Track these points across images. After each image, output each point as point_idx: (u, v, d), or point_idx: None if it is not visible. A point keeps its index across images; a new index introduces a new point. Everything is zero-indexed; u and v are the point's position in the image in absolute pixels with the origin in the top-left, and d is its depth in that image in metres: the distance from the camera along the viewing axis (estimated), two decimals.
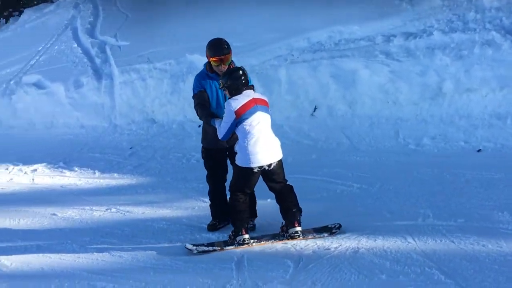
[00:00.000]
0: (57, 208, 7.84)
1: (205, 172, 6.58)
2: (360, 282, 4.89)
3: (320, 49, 10.97)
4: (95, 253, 6.16)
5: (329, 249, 5.58)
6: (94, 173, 9.55)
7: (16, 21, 21.49)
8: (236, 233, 5.90)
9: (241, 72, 5.76)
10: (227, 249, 5.91)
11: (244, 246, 5.85)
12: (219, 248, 5.96)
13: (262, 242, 6.01)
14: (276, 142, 5.87)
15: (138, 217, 7.24)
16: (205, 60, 6.38)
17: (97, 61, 13.74)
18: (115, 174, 9.36)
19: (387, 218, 6.33)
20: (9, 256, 6.27)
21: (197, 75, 6.45)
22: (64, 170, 9.90)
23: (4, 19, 23.26)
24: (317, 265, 5.26)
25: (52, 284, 5.52)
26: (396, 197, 7.01)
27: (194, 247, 5.91)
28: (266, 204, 6.64)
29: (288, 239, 5.93)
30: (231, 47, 6.18)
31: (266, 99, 5.89)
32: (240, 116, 5.57)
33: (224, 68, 6.04)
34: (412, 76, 10.16)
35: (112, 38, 14.72)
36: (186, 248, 5.91)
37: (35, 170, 10.08)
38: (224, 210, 6.32)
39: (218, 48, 6.10)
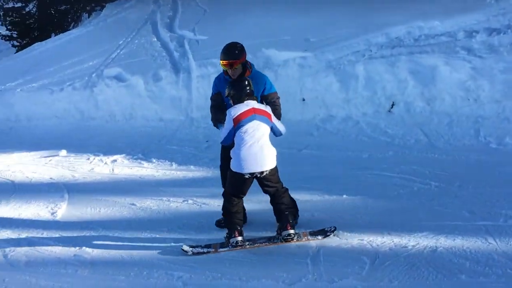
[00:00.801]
0: (135, 198, 8.03)
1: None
2: (438, 282, 4.81)
3: (399, 45, 10.78)
4: (172, 243, 6.30)
5: (406, 247, 5.51)
6: (171, 165, 9.70)
7: (98, 16, 22.17)
8: (230, 235, 6.01)
9: (245, 83, 5.92)
10: (221, 251, 5.99)
11: (237, 248, 5.93)
12: (213, 250, 6.04)
13: (256, 245, 6.08)
14: (270, 152, 5.94)
15: (214, 210, 7.30)
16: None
17: (176, 55, 13.96)
18: (192, 167, 9.48)
19: (466, 218, 6.18)
20: (91, 244, 6.49)
21: (216, 77, 6.59)
22: (142, 162, 10.11)
23: (87, 14, 24.00)
24: (394, 262, 5.22)
25: (131, 272, 5.68)
26: (476, 197, 6.80)
27: (190, 248, 6.03)
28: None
29: (282, 242, 5.97)
30: (244, 51, 6.18)
31: (267, 110, 6.00)
32: (238, 124, 5.79)
33: (234, 72, 6.10)
34: (494, 73, 9.85)
35: (190, 33, 14.94)
36: (182, 249, 6.01)
37: (115, 160, 10.33)
38: None
39: (227, 52, 6.12)
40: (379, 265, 5.21)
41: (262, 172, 5.85)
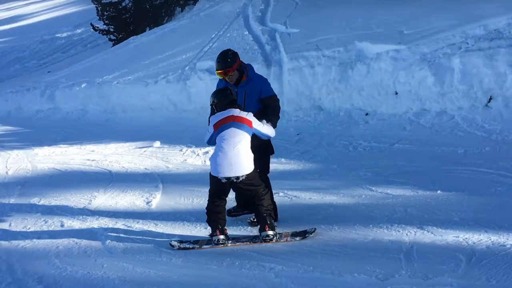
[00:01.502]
0: None
1: None
2: None
3: (497, 37, 10.37)
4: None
5: (504, 245, 5.32)
6: None
7: (191, 10, 22.60)
8: (212, 233, 6.26)
9: (227, 92, 6.26)
10: (205, 248, 6.23)
11: (219, 246, 6.18)
12: (198, 246, 6.29)
13: (238, 243, 6.27)
14: (246, 158, 6.08)
15: (306, 202, 7.32)
16: None
17: (267, 48, 14.02)
18: (283, 159, 9.50)
19: None
20: (185, 233, 6.69)
21: (219, 80, 6.76)
22: None
23: (180, 8, 24.43)
24: (491, 261, 5.05)
25: (223, 262, 5.77)
26: None
27: (178, 243, 6.31)
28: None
29: (262, 242, 6.13)
30: (239, 55, 6.48)
31: (248, 117, 6.16)
32: (217, 130, 6.14)
33: (230, 79, 6.40)
34: None
35: (282, 26, 14.96)
36: (170, 244, 6.30)
37: (207, 152, 10.50)
38: (247, 201, 6.70)
39: (220, 61, 6.36)
40: (476, 263, 5.05)
41: (238, 177, 6.05)
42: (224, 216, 6.40)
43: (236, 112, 6.16)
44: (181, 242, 6.37)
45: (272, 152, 6.90)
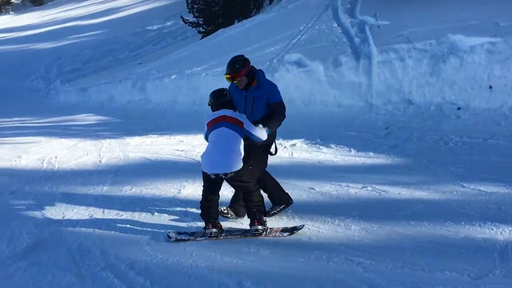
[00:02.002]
0: (314, 182, 8.12)
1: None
2: None
3: None
4: (352, 228, 6.29)
5: None
6: (350, 151, 9.68)
7: (280, 2, 22.59)
8: (205, 227, 6.58)
9: (223, 93, 6.64)
10: (199, 240, 6.52)
11: (212, 238, 6.50)
12: (193, 238, 6.59)
13: (229, 237, 6.56)
14: (231, 156, 6.31)
15: (394, 197, 7.21)
16: None
17: (356, 40, 13.84)
18: (371, 153, 9.38)
19: None
20: (272, 224, 6.70)
21: (230, 84, 6.95)
22: (321, 147, 10.19)
23: (268, 0, 24.49)
24: None
25: (311, 255, 5.77)
26: None
27: (175, 235, 6.66)
28: None
29: (252, 236, 6.39)
30: (247, 62, 6.69)
31: (239, 118, 6.42)
32: (209, 128, 6.51)
33: (238, 83, 6.69)
34: None
35: (372, 18, 14.71)
36: (168, 235, 6.64)
37: (294, 145, 10.51)
38: (278, 197, 7.09)
39: (229, 66, 6.68)
40: None
41: (226, 174, 6.31)
42: (217, 211, 6.69)
43: (229, 112, 6.48)
44: (178, 233, 6.71)
45: (274, 153, 7.21)
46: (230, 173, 6.28)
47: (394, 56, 12.23)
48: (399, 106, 11.66)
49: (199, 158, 10.13)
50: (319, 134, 10.94)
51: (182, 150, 11.27)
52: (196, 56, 20.06)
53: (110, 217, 7.65)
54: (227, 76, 6.65)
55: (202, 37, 24.99)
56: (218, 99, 6.59)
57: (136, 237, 6.81)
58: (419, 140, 9.78)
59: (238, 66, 6.59)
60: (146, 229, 7.02)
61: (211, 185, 6.53)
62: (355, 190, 7.63)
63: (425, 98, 11.42)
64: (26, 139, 14.55)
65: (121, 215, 7.69)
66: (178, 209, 7.73)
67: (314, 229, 6.42)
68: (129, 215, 7.71)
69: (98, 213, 7.84)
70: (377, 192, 7.47)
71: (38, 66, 31.21)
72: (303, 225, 6.43)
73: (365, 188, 7.59)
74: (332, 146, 10.07)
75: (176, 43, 29.05)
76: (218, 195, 6.67)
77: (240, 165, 6.31)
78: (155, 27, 33.66)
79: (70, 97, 24.04)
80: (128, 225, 7.24)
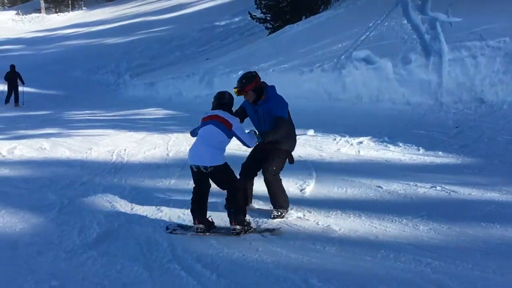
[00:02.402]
0: (382, 181, 8.00)
1: None
2: None
3: None
4: (420, 228, 6.17)
5: None
6: (419, 149, 9.51)
7: None
8: (193, 222, 6.80)
9: (222, 95, 6.84)
10: (192, 234, 6.69)
11: (199, 234, 6.68)
12: (185, 232, 6.82)
13: (213, 234, 6.72)
14: (210, 152, 6.55)
15: (464, 198, 7.03)
16: None
17: (427, 37, 13.59)
18: (440, 152, 9.20)
19: None
20: (338, 222, 6.61)
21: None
22: (388, 145, 10.05)
23: None
24: None
25: (378, 253, 5.67)
26: None
27: (172, 228, 6.94)
28: None
29: (231, 235, 6.57)
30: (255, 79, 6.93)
31: (229, 120, 6.62)
32: (201, 124, 6.80)
33: (246, 97, 7.03)
34: None
35: (443, 14, 14.42)
36: (166, 227, 6.95)
37: (361, 142, 10.41)
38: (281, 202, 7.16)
39: (238, 81, 6.99)
40: None
41: (206, 168, 6.54)
42: (203, 207, 6.82)
43: (222, 113, 6.70)
44: (178, 226, 7.01)
45: (290, 161, 7.36)
46: (210, 167, 6.52)
47: (466, 54, 11.98)
48: (470, 105, 11.41)
49: None
50: (387, 132, 10.80)
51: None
52: (263, 52, 20.12)
53: (177, 210, 7.73)
54: (235, 90, 6.94)
55: (269, 33, 25.04)
56: (218, 99, 6.83)
57: None
58: (490, 140, 9.53)
59: (245, 81, 6.90)
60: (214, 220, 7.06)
61: (195, 178, 6.76)
62: (423, 189, 7.48)
63: (498, 97, 11.14)
64: (96, 132, 14.90)
65: (188, 209, 7.77)
66: None
67: (381, 227, 6.32)
68: None
69: (165, 206, 7.93)
70: (447, 192, 7.30)
71: (108, 60, 31.97)
72: (280, 228, 6.60)
73: (434, 188, 7.43)
74: (400, 144, 9.92)
75: (243, 39, 29.23)
76: (205, 192, 6.85)
77: (220, 162, 6.59)
78: (223, 23, 33.97)
79: (139, 91, 24.53)
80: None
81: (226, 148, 6.75)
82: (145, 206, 7.94)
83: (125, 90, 25.85)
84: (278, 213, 7.04)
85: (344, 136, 10.99)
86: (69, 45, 40.01)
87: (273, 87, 7.11)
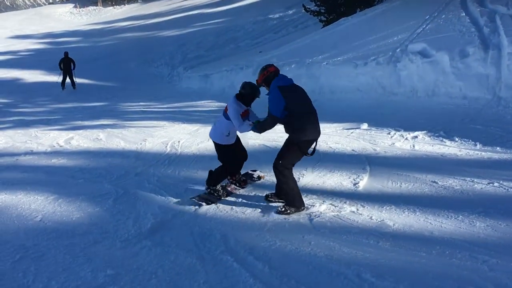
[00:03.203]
0: (437, 176, 7.86)
1: None
2: None
3: None
4: (477, 225, 6.05)
5: None
6: (475, 145, 9.31)
7: None
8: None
9: (242, 85, 7.77)
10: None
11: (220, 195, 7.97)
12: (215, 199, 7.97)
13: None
14: (214, 130, 8.05)
15: None
16: None
17: (485, 30, 13.28)
18: (498, 148, 8.98)
19: None
20: (392, 217, 6.54)
21: None
22: (444, 139, 9.87)
23: None
24: None
25: (433, 249, 5.59)
26: None
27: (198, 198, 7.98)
28: None
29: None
30: None
31: (227, 106, 7.70)
32: None
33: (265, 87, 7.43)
34: None
35: (503, 7, 14.06)
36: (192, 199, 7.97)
37: (416, 137, 10.25)
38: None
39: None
40: None
41: (214, 142, 8.10)
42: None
43: (230, 99, 7.69)
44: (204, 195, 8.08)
45: (310, 154, 7.24)
46: (213, 141, 8.06)
47: None
48: None
49: (318, 147, 10.12)
50: (443, 127, 10.61)
51: None
52: (317, 45, 20.01)
53: (230, 202, 7.78)
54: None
55: (323, 26, 24.92)
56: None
57: (255, 223, 6.87)
58: None
59: (258, 73, 7.26)
60: (265, 216, 7.07)
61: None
62: (480, 185, 7.32)
63: None
64: (151, 123, 15.10)
65: (240, 200, 7.80)
66: None
67: (437, 223, 6.22)
68: (247, 199, 7.81)
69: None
70: (505, 188, 7.13)
71: (163, 52, 32.35)
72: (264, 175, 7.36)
73: (491, 184, 7.27)
74: (456, 139, 9.73)
75: (297, 31, 29.15)
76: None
77: (217, 140, 7.99)
78: (277, 15, 33.95)
79: (192, 83, 24.73)
80: (247, 211, 7.32)
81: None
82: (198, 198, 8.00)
83: (179, 82, 26.11)
84: (282, 209, 7.05)
85: (399, 131, 10.85)
86: (125, 37, 40.67)
87: (276, 80, 7.03)
